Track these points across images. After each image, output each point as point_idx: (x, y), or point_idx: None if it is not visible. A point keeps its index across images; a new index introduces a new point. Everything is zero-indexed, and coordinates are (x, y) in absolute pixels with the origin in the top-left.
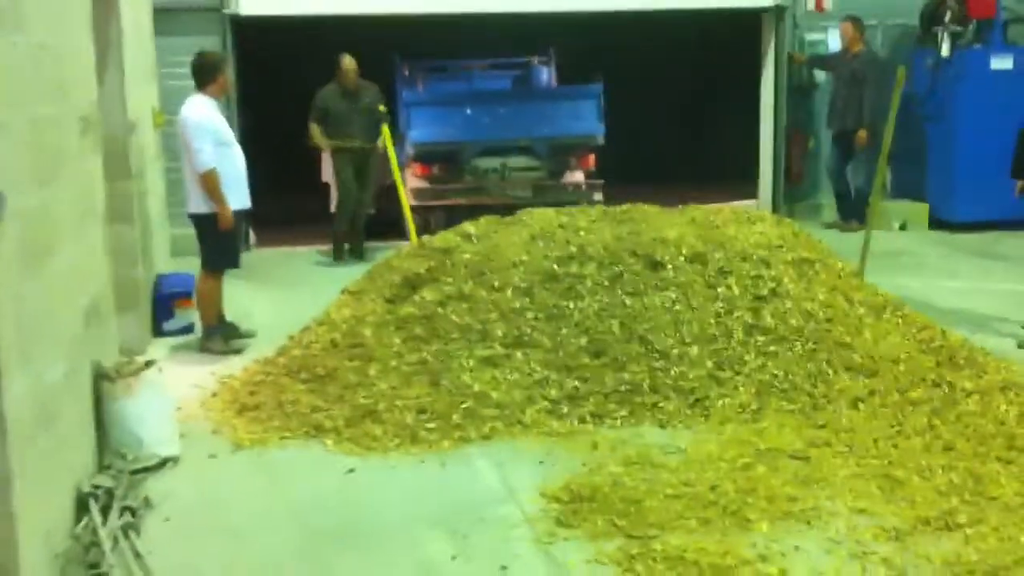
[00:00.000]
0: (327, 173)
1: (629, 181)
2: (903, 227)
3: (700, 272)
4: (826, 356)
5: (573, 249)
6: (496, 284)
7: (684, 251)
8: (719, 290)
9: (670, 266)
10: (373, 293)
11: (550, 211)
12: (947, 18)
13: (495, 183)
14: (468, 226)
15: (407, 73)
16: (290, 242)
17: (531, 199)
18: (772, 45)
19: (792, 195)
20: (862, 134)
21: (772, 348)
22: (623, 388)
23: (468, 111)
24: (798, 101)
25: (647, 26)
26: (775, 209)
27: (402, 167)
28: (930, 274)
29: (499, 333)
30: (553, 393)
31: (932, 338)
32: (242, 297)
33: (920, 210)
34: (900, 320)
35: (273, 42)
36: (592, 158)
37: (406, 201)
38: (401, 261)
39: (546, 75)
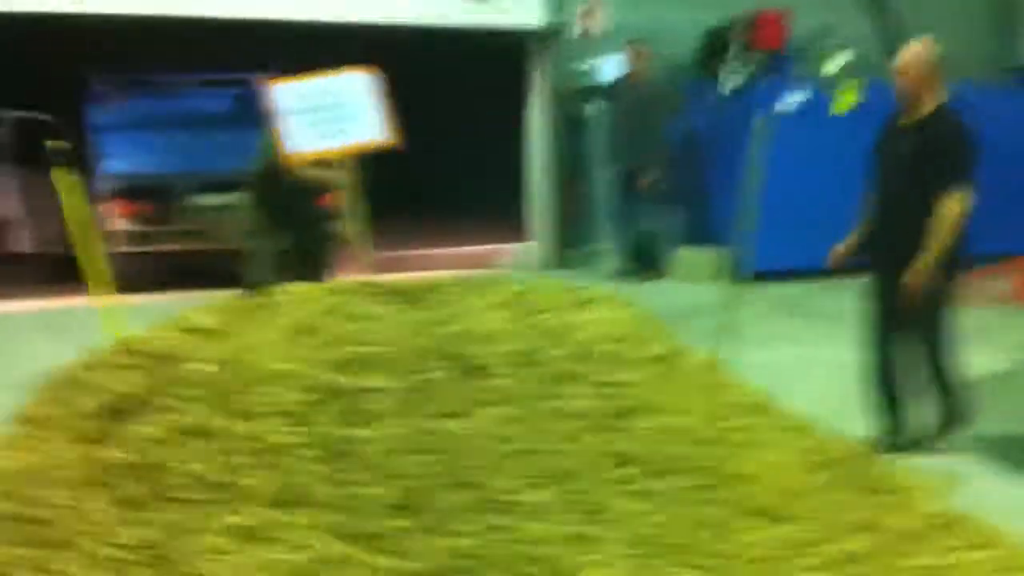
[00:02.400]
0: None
1: (385, 214)
2: (700, 278)
3: (535, 378)
4: (723, 494)
5: (356, 349)
6: (248, 408)
7: (509, 349)
8: (563, 404)
9: (494, 371)
10: (57, 427)
11: (315, 288)
12: (730, 50)
13: (217, 225)
14: (199, 315)
15: (99, 89)
16: None
17: None
18: (539, 72)
19: (568, 239)
20: (649, 171)
21: (650, 486)
22: (454, 563)
23: (181, 136)
24: (570, 135)
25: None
26: (552, 256)
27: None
28: (757, 341)
29: (258, 487)
30: None
31: (824, 450)
32: None
33: (716, 259)
34: (780, 428)
35: None
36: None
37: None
38: (97, 374)
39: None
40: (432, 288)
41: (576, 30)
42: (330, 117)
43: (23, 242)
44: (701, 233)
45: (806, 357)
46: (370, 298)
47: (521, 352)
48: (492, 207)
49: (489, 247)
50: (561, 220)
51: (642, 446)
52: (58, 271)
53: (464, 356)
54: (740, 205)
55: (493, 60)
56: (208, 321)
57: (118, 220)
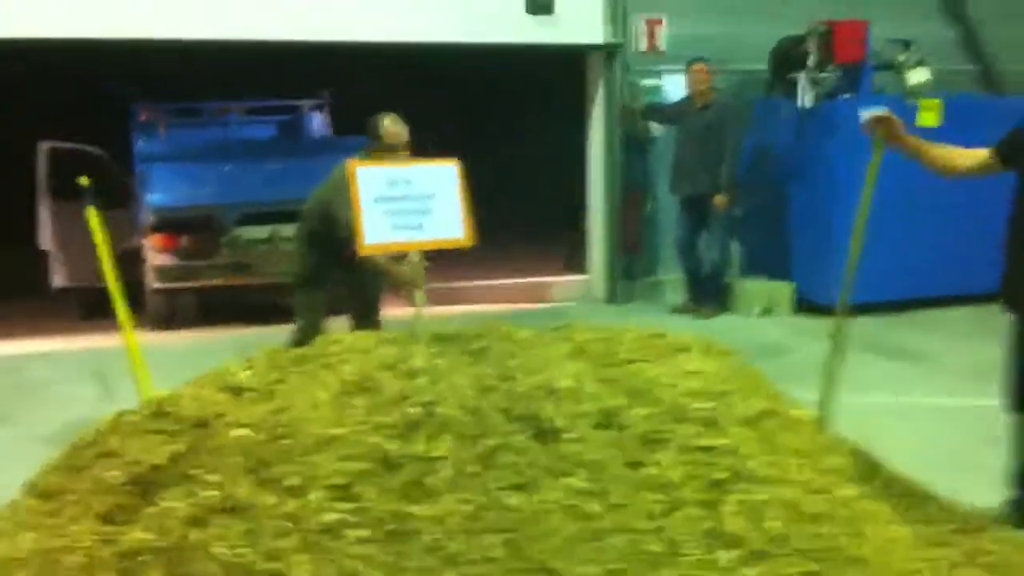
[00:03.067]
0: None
1: None
2: (767, 311)
3: (616, 443)
4: None
5: (415, 411)
6: (291, 482)
7: (587, 408)
8: (650, 472)
9: (569, 434)
10: (76, 504)
11: (367, 337)
12: (809, 62)
13: (262, 258)
14: (237, 373)
15: (143, 118)
16: None
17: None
18: (601, 89)
19: (629, 270)
20: (720, 199)
21: (750, 572)
22: None
23: (225, 167)
24: (633, 157)
25: (449, 65)
26: (611, 288)
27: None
28: (847, 384)
29: (302, 574)
30: None
31: (944, 522)
32: None
33: (783, 291)
34: (892, 496)
35: None
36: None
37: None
38: (122, 440)
39: (317, 123)
40: (497, 335)
41: (640, 44)
42: (411, 209)
43: (60, 276)
44: (765, 263)
45: (906, 405)
46: (429, 348)
47: (601, 412)
48: (546, 233)
49: (545, 279)
50: (621, 249)
51: (740, 524)
52: (100, 306)
53: (535, 417)
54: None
55: (551, 78)
56: (248, 378)
57: (159, 255)
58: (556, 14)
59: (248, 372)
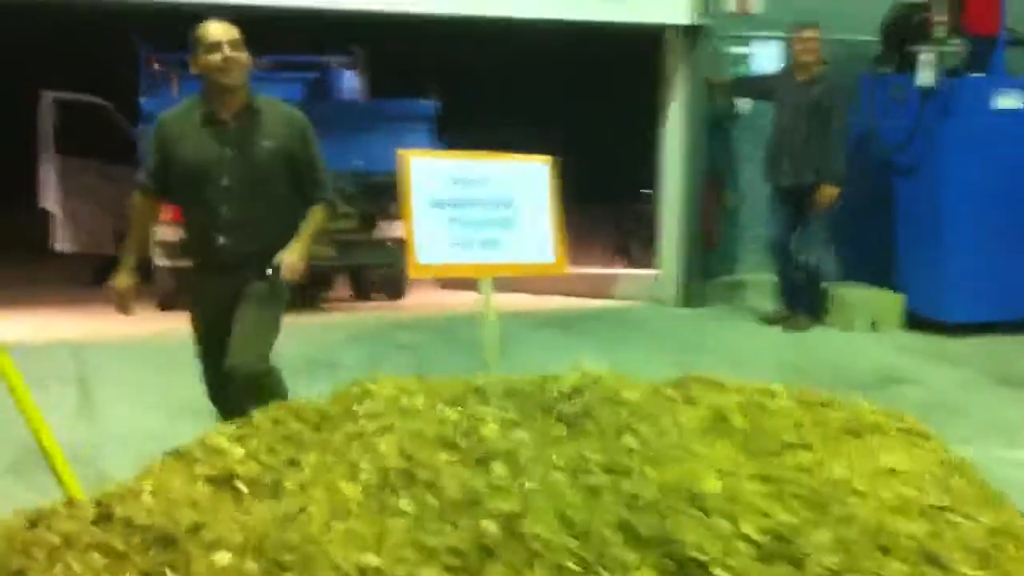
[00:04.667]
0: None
1: None
2: (873, 326)
3: None
4: None
5: (490, 528)
6: None
7: (748, 528)
8: None
9: (724, 572)
10: None
11: (410, 385)
12: (933, 33)
13: None
14: (225, 449)
15: (155, 68)
16: None
17: (334, 260)
18: (679, 71)
19: (706, 268)
20: (828, 191)
21: None
22: None
23: None
24: (713, 139)
25: (499, 36)
26: (684, 288)
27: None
28: (964, 429)
29: None
30: None
31: None
32: None
33: (891, 302)
34: None
35: None
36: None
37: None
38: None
39: (351, 83)
40: (598, 391)
41: (729, 5)
42: (484, 219)
43: (64, 240)
44: (866, 268)
45: None
46: (503, 410)
47: (769, 534)
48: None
49: (609, 270)
50: (699, 243)
51: None
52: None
53: (673, 542)
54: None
55: (625, 54)
56: (241, 460)
57: (165, 229)
58: None
59: (240, 450)
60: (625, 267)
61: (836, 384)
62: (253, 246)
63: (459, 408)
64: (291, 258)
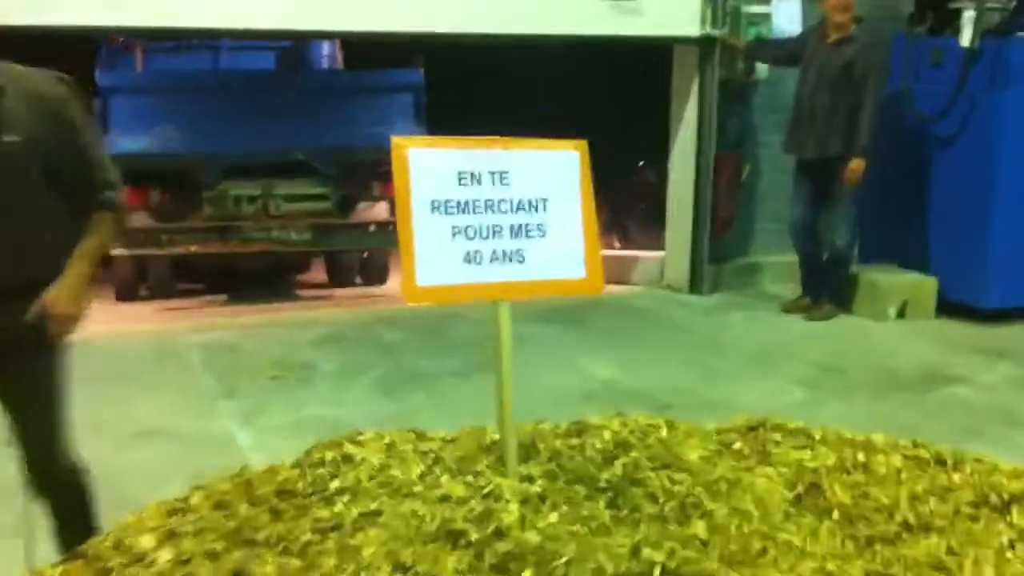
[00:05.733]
0: None
1: None
2: (901, 313)
3: None
4: None
5: None
6: None
7: None
8: None
9: None
10: None
11: (407, 455)
12: None
13: (254, 220)
14: (142, 541)
15: (117, 43)
16: None
17: (310, 244)
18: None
19: (718, 250)
20: (857, 164)
21: None
22: None
23: (208, 105)
24: (729, 110)
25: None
26: (694, 273)
27: None
28: (990, 440)
29: None
30: None
31: None
32: None
33: (923, 287)
34: None
35: None
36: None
37: None
38: None
39: (327, 50)
40: (644, 448)
41: None
42: (503, 225)
43: None
44: (895, 249)
45: None
46: (528, 483)
47: None
48: (605, 198)
49: (611, 252)
50: (710, 223)
51: None
52: None
53: None
54: (956, 213)
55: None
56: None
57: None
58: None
59: (166, 554)
60: (621, 248)
61: (879, 387)
62: (6, 280)
63: (468, 479)
64: (58, 305)
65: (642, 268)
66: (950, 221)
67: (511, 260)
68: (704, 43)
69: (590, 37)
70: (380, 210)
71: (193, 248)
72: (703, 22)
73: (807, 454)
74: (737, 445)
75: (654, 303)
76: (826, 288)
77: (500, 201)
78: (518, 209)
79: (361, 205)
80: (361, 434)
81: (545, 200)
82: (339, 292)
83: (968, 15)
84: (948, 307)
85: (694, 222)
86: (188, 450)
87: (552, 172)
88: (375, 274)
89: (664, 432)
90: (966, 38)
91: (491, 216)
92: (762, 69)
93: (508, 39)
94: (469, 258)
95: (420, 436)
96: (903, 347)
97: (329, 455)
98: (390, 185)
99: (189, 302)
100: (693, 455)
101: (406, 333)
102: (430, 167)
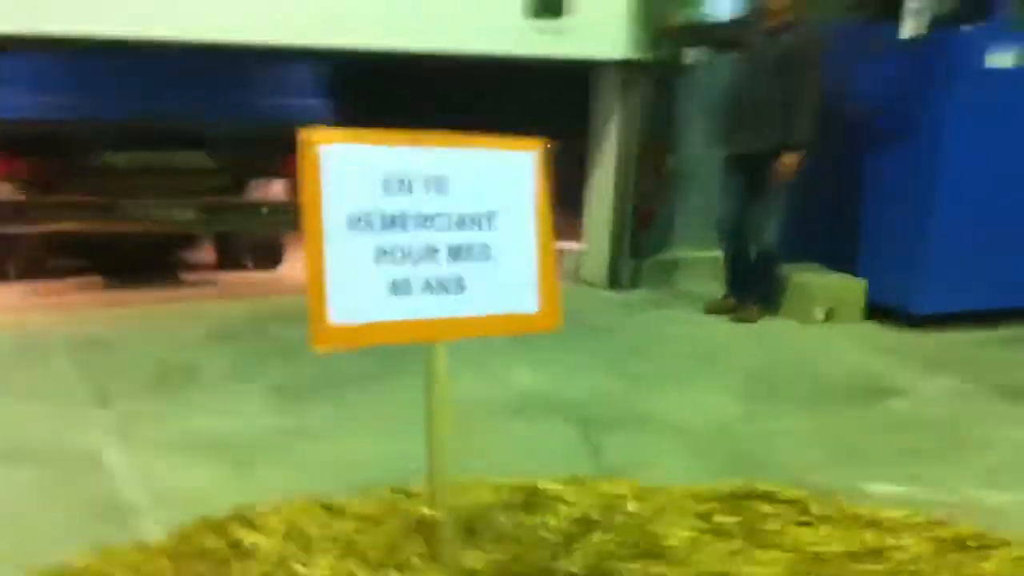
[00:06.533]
0: None
1: None
2: (828, 316)
3: None
4: None
5: None
6: None
7: None
8: None
9: None
10: None
11: (312, 541)
12: None
13: (137, 196)
14: None
15: None
16: None
17: (194, 225)
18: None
19: (639, 246)
20: (789, 159)
21: None
22: None
23: (88, 68)
24: (659, 96)
25: None
26: (613, 268)
27: None
28: (976, 462)
29: None
30: None
31: None
32: None
33: (852, 289)
34: None
35: None
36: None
37: None
38: None
39: None
40: (612, 524)
41: None
42: (434, 247)
43: None
44: (820, 249)
45: None
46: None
47: None
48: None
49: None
50: (632, 216)
51: None
52: None
53: None
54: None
55: None
56: None
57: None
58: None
59: None
60: None
61: (815, 400)
62: None
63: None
64: None
65: (563, 260)
66: (883, 221)
67: (449, 291)
68: (628, 67)
69: (510, 57)
70: (275, 190)
71: (65, 226)
72: (629, 45)
73: (807, 534)
74: (721, 520)
75: (574, 300)
76: (754, 288)
77: (437, 215)
78: (459, 226)
79: (253, 182)
80: (254, 508)
81: (492, 214)
82: (229, 276)
83: (911, 5)
84: (881, 312)
85: (615, 215)
86: (42, 476)
87: (501, 179)
88: (267, 258)
89: (632, 505)
90: (908, 29)
91: (425, 234)
92: (694, 55)
93: (423, 56)
94: (397, 288)
95: (329, 509)
96: (835, 354)
97: (211, 543)
98: (291, 162)
99: (61, 285)
100: (672, 538)
101: (305, 328)
102: (349, 170)
